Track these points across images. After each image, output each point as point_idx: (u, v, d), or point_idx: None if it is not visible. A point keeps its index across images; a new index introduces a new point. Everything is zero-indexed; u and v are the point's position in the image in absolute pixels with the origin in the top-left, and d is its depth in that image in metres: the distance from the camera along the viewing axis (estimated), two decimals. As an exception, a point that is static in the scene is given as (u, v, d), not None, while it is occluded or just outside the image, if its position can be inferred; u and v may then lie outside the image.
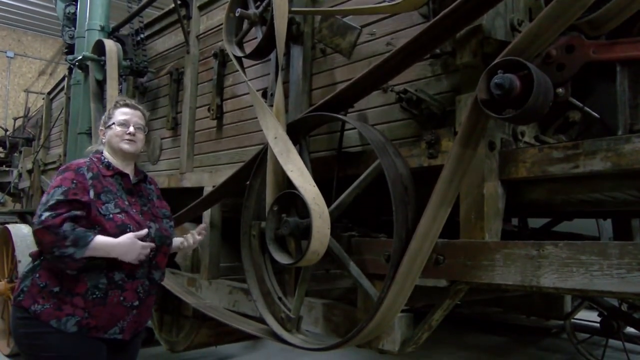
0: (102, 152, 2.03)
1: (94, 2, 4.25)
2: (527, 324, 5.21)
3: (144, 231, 1.88)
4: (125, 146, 2.00)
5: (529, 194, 1.80)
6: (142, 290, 1.95)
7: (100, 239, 1.80)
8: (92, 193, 1.86)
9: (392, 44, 2.11)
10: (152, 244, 1.91)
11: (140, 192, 2.07)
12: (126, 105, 2.08)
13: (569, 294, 3.97)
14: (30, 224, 5.92)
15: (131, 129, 2.02)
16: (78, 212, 1.80)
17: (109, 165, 1.99)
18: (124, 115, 2.04)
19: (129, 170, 2.04)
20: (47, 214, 1.76)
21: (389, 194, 1.74)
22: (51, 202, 1.78)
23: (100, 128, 2.09)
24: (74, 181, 1.84)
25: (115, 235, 1.83)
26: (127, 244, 1.82)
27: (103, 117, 2.11)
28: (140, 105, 2.16)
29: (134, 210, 1.96)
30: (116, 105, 2.08)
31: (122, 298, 1.88)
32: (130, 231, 1.86)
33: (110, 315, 1.86)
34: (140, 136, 2.06)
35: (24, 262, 4.17)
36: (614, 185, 1.63)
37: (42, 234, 1.76)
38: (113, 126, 2.02)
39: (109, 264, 1.84)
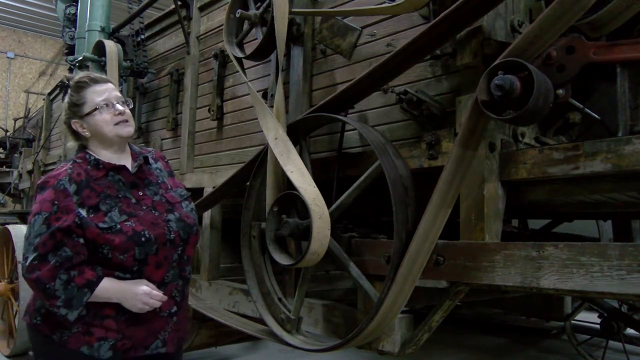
0: (86, 149, 1.67)
1: (94, 3, 4.26)
2: (527, 325, 5.21)
3: (162, 297, 1.59)
4: (124, 130, 1.64)
5: (529, 195, 1.80)
6: (178, 293, 1.68)
7: (99, 291, 1.51)
8: (83, 211, 1.52)
9: (392, 44, 2.11)
10: (161, 297, 1.59)
11: (146, 179, 1.70)
12: (95, 81, 1.66)
13: (569, 295, 3.97)
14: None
15: (119, 107, 1.64)
16: (68, 251, 1.48)
17: (97, 164, 1.62)
18: (101, 95, 1.63)
19: (124, 158, 1.69)
20: (32, 256, 1.47)
21: (389, 194, 1.74)
22: (34, 240, 1.47)
23: (74, 121, 1.65)
24: (55, 202, 1.50)
25: (130, 249, 1.54)
26: (129, 296, 1.55)
27: (66, 107, 1.68)
28: (104, 75, 1.80)
29: (145, 208, 1.62)
30: (81, 86, 1.65)
31: (157, 309, 1.61)
32: (145, 240, 1.55)
33: (147, 331, 1.61)
34: (129, 112, 1.68)
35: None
36: (614, 187, 1.63)
37: (30, 285, 1.48)
38: (95, 113, 1.62)
39: (136, 274, 1.58)
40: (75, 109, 1.65)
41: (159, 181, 1.73)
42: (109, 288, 1.53)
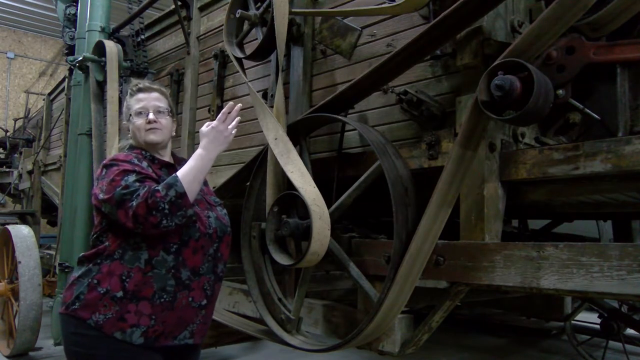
0: (134, 149, 1.84)
1: (94, 3, 4.26)
2: (527, 326, 5.22)
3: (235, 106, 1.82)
4: (150, 137, 1.78)
5: (529, 195, 1.80)
6: (209, 287, 1.77)
7: (186, 172, 1.65)
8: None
9: (392, 45, 2.12)
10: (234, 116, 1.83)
11: None
12: (140, 90, 1.83)
13: (569, 296, 3.97)
14: (30, 225, 5.93)
15: (150, 115, 1.78)
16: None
17: (153, 159, 1.80)
18: (140, 103, 1.80)
19: (168, 160, 1.88)
20: (132, 199, 1.56)
21: (389, 195, 1.74)
22: (129, 185, 1.58)
23: (124, 123, 1.87)
24: (131, 164, 1.67)
25: (183, 225, 1.66)
26: (211, 138, 1.75)
27: (123, 109, 1.90)
28: (157, 84, 1.92)
29: None
30: (131, 94, 1.85)
31: (190, 299, 1.70)
32: (191, 224, 1.69)
33: (178, 320, 1.69)
34: (164, 121, 1.82)
35: (24, 262, 4.17)
36: (614, 187, 1.63)
37: (139, 221, 1.56)
38: (133, 119, 1.80)
39: (175, 258, 1.66)
40: (126, 112, 1.85)
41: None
42: (189, 164, 1.69)
